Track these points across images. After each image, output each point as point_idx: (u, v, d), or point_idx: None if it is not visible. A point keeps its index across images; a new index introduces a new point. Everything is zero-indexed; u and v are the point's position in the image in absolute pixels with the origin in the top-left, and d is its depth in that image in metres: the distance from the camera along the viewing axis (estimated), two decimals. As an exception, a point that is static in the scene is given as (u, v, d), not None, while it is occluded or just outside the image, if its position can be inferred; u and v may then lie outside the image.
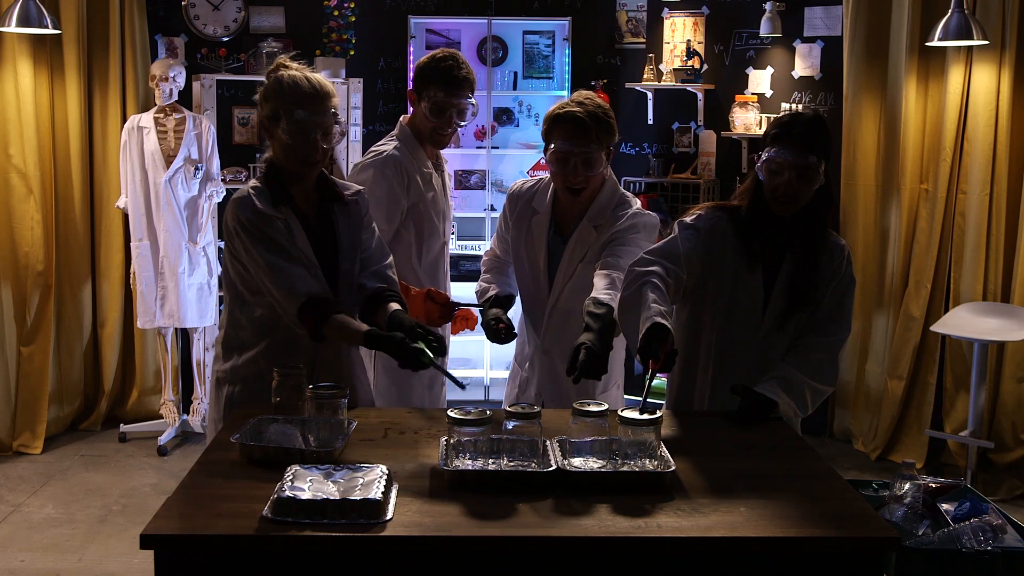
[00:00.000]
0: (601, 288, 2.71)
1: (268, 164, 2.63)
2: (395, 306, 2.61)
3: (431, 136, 3.21)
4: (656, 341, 2.34)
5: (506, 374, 3.32)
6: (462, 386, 2.49)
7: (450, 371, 2.52)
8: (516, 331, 3.03)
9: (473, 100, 3.21)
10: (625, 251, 2.81)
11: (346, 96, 5.51)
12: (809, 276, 2.63)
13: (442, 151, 3.39)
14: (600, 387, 3.00)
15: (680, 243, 2.65)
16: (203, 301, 5.15)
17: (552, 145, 2.87)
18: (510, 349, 3.22)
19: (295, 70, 2.59)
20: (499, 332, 2.96)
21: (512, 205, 3.09)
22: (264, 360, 2.61)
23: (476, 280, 3.24)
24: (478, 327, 3.39)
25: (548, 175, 3.01)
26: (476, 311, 3.16)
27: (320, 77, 2.60)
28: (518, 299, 3.17)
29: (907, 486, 2.60)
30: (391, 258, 2.82)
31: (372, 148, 3.24)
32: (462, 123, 3.23)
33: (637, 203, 3.00)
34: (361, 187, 2.81)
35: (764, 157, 2.59)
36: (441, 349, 2.44)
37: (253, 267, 2.53)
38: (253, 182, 2.63)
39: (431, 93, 3.14)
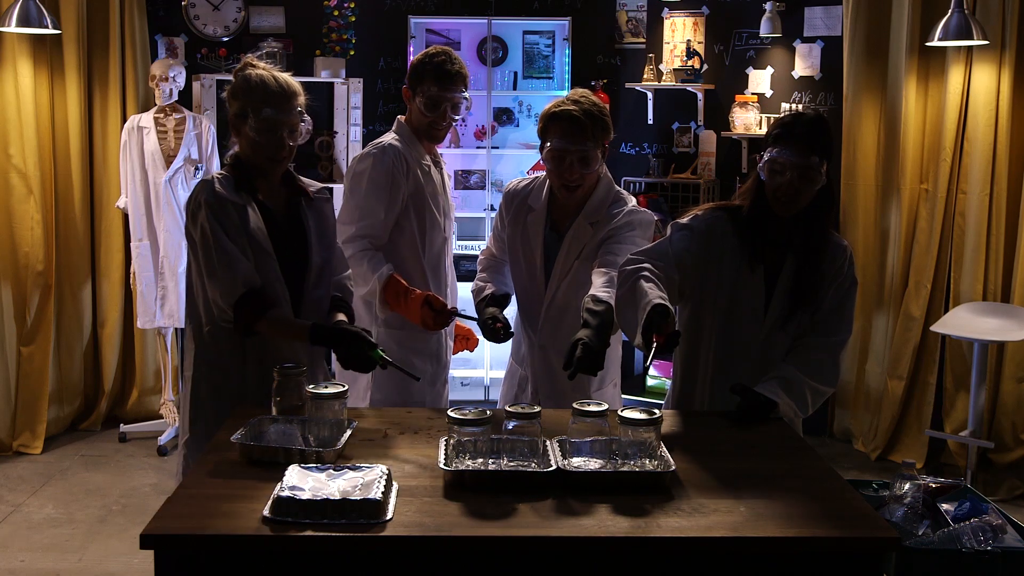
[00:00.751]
0: (599, 286, 2.73)
1: (234, 158, 2.68)
2: (340, 316, 2.71)
3: (428, 131, 3.26)
4: (658, 319, 2.34)
5: (506, 374, 3.32)
6: (416, 378, 2.53)
7: (455, 374, 2.56)
8: (512, 330, 3.04)
9: (467, 95, 3.26)
10: (622, 249, 2.83)
11: (346, 96, 5.51)
12: (811, 276, 2.63)
13: (442, 151, 3.43)
14: (596, 384, 3.01)
15: (671, 244, 2.65)
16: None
17: (548, 143, 2.89)
18: (509, 349, 3.23)
19: (262, 69, 2.65)
20: (496, 331, 2.98)
21: (508, 203, 3.12)
22: (227, 356, 2.64)
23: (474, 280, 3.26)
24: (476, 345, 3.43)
25: (544, 173, 3.03)
26: (476, 328, 3.18)
27: (287, 76, 2.66)
28: (513, 298, 3.18)
29: (907, 486, 2.60)
30: (350, 271, 2.92)
31: (371, 143, 3.28)
32: (456, 117, 3.28)
33: (632, 200, 3.02)
34: (326, 186, 2.86)
35: (766, 157, 2.59)
36: (384, 362, 2.51)
37: (202, 250, 2.56)
38: (219, 171, 2.68)
39: (425, 88, 3.20)
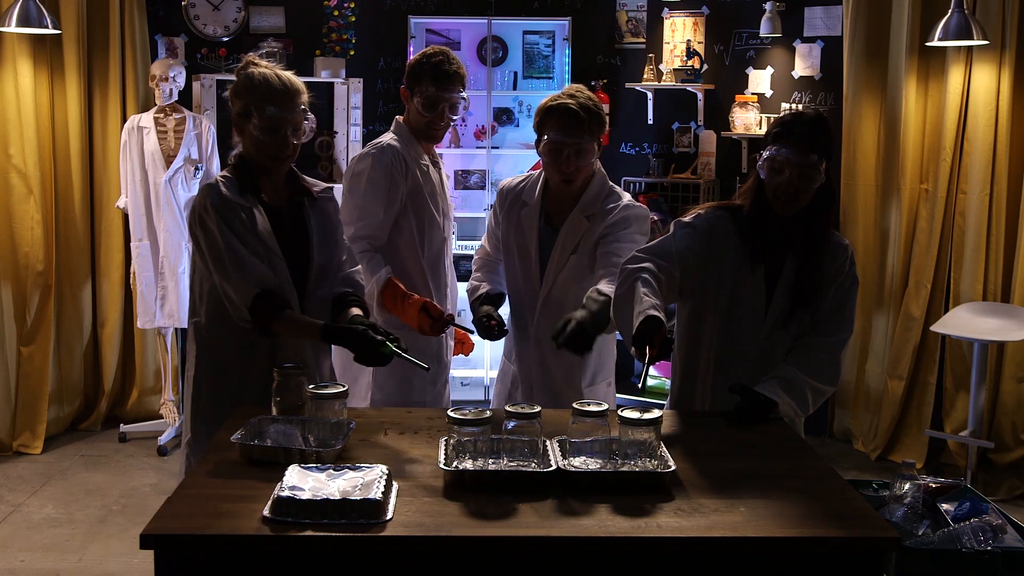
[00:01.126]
0: (602, 283, 2.75)
1: (238, 158, 2.67)
2: (355, 310, 2.66)
3: (426, 131, 3.28)
4: (650, 331, 2.35)
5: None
6: (426, 368, 2.52)
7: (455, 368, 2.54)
8: (507, 328, 3.06)
9: (464, 95, 3.29)
10: (621, 248, 2.84)
11: (346, 96, 5.51)
12: (811, 276, 2.63)
13: (442, 151, 3.44)
14: (587, 379, 3.02)
15: (674, 241, 2.66)
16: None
17: (545, 136, 2.92)
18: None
19: (265, 67, 2.64)
20: (491, 329, 2.99)
21: (502, 200, 3.15)
22: (229, 356, 2.63)
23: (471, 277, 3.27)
24: (472, 347, 3.45)
25: (538, 171, 3.05)
26: (473, 334, 3.19)
27: (290, 74, 2.65)
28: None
29: (907, 486, 2.60)
30: (359, 266, 2.89)
31: (370, 143, 3.29)
32: (454, 117, 3.30)
33: (626, 196, 3.04)
34: (329, 186, 2.84)
35: (765, 155, 2.59)
36: (400, 347, 2.47)
37: (211, 254, 2.55)
38: (223, 172, 2.66)
39: (423, 88, 3.22)
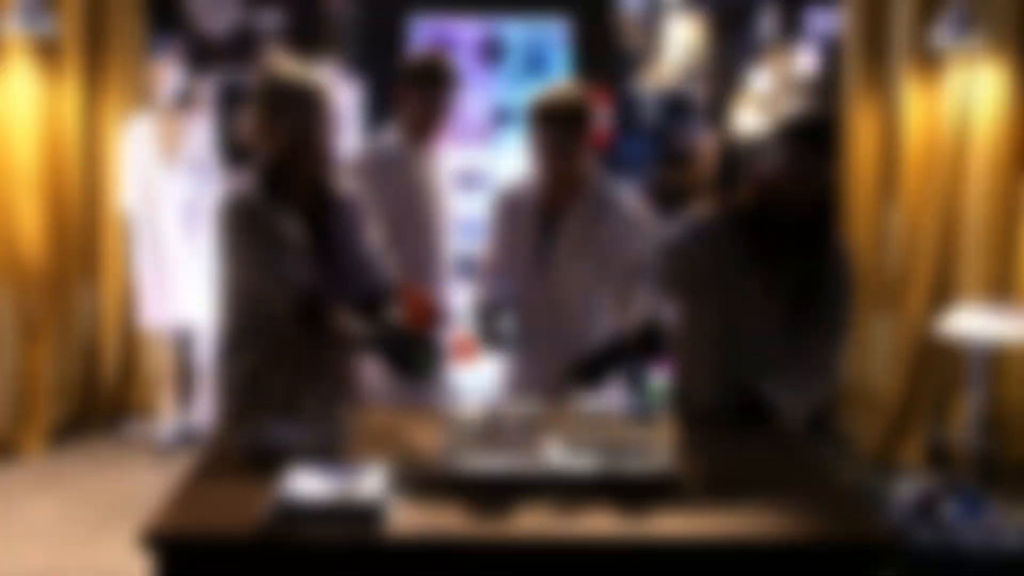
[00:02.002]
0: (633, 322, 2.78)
1: (264, 163, 2.64)
2: (394, 312, 2.64)
3: (421, 130, 3.31)
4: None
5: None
6: (459, 394, 2.52)
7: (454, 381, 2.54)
8: (510, 335, 3.06)
9: (459, 94, 3.34)
10: (640, 281, 2.85)
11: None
12: (812, 277, 2.63)
13: (442, 152, 3.46)
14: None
15: (664, 273, 2.71)
16: (203, 301, 5.15)
17: (535, 136, 2.91)
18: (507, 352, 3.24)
19: (291, 69, 2.61)
20: (494, 337, 2.98)
21: (498, 206, 3.20)
22: (261, 363, 2.61)
23: (474, 281, 3.28)
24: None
25: (532, 174, 3.06)
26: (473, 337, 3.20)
27: (316, 76, 2.62)
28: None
29: (907, 486, 2.60)
30: (392, 262, 2.86)
31: (367, 141, 3.33)
32: (448, 116, 3.35)
33: (624, 192, 3.06)
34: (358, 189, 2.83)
35: (769, 157, 2.59)
36: (439, 358, 2.46)
37: (247, 264, 2.54)
38: (249, 179, 2.64)
39: (417, 88, 3.28)
